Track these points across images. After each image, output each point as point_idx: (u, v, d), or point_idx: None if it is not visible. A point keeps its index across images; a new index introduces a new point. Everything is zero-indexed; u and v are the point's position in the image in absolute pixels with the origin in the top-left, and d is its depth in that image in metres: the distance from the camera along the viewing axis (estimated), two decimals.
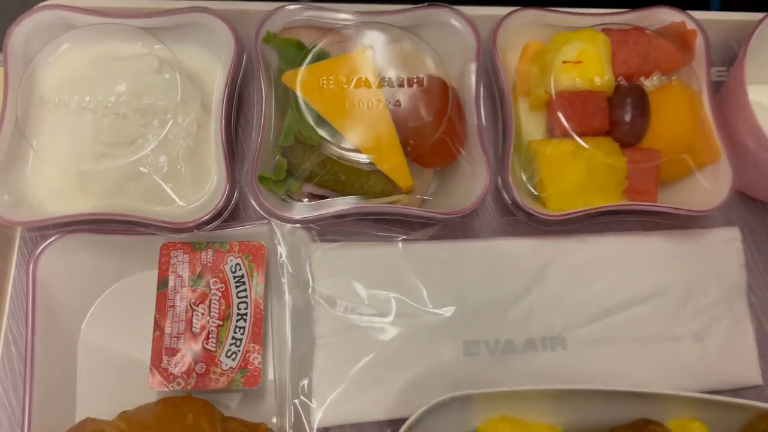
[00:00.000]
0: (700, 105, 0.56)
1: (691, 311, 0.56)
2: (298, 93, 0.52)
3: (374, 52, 0.54)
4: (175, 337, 0.51)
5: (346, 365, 0.52)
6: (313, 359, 0.51)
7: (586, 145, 0.53)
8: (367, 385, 0.51)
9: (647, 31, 0.57)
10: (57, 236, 0.52)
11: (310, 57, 0.53)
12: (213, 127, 0.54)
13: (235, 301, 0.52)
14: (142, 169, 0.51)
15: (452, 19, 0.57)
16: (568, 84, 0.54)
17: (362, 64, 0.53)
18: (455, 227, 0.58)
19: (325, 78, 0.53)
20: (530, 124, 0.57)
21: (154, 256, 0.53)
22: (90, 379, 0.53)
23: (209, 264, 0.53)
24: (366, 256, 0.54)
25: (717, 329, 0.56)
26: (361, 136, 0.52)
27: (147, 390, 0.50)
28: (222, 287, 0.53)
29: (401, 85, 0.53)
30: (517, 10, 0.57)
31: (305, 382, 0.51)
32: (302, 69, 0.53)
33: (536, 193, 0.55)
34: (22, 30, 0.53)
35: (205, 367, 0.51)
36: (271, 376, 0.53)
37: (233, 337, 0.51)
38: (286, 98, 0.54)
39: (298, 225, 0.54)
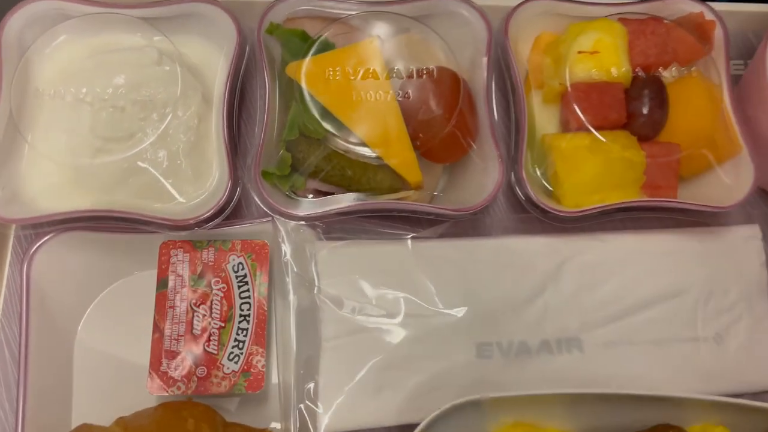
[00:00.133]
0: (720, 98, 0.55)
1: (710, 312, 0.55)
2: (303, 85, 0.51)
3: (382, 42, 0.53)
4: (175, 339, 0.50)
5: (353, 368, 0.50)
6: (318, 362, 0.51)
7: (603, 139, 0.52)
8: (376, 389, 0.50)
9: (665, 21, 0.55)
10: (52, 234, 0.51)
11: (315, 48, 0.52)
12: (214, 120, 0.53)
13: (238, 301, 0.51)
14: (140, 164, 0.51)
15: (462, 9, 0.56)
16: (584, 75, 0.53)
17: (369, 55, 0.52)
18: (465, 225, 0.56)
19: (330, 69, 0.51)
20: (543, 118, 0.56)
21: (154, 255, 0.52)
22: (86, 383, 0.52)
23: (210, 263, 0.52)
24: (373, 254, 0.53)
25: (737, 330, 0.55)
26: (369, 130, 0.51)
27: (146, 394, 0.49)
28: (224, 287, 0.52)
29: (410, 77, 0.52)
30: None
31: (311, 385, 0.50)
32: (307, 60, 0.52)
33: (550, 188, 0.54)
34: (17, 20, 0.52)
35: (206, 370, 0.50)
36: (275, 379, 0.52)
37: (236, 339, 0.50)
38: (290, 91, 0.53)
39: (303, 222, 0.53)
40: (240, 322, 0.51)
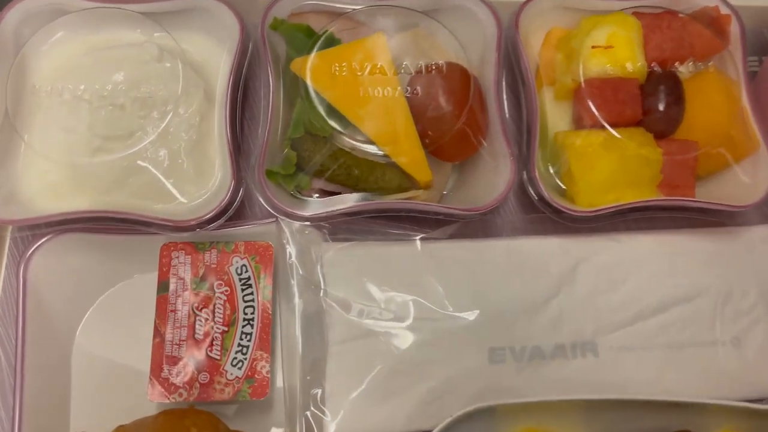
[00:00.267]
0: (738, 94, 0.54)
1: (728, 314, 0.54)
2: (308, 81, 0.50)
3: (389, 37, 0.52)
4: (176, 344, 0.50)
5: (361, 374, 0.50)
6: (325, 367, 0.50)
7: (618, 136, 0.51)
8: (385, 396, 0.50)
9: (681, 15, 0.54)
10: (50, 236, 0.51)
11: (320, 43, 0.51)
12: (217, 118, 0.52)
13: (241, 305, 0.50)
14: (140, 163, 0.50)
15: (471, 3, 0.55)
16: (598, 70, 0.52)
17: (377, 50, 0.51)
18: (475, 225, 0.55)
19: (336, 65, 0.50)
20: (555, 115, 0.55)
21: (154, 257, 0.51)
22: (85, 389, 0.52)
23: (213, 265, 0.51)
24: (381, 256, 0.52)
25: (756, 333, 0.54)
26: (376, 127, 0.50)
27: (146, 402, 0.49)
28: (227, 290, 0.51)
29: (419, 73, 0.51)
30: None
31: (317, 392, 0.50)
32: (312, 56, 0.51)
33: (564, 187, 0.53)
34: (13, 16, 0.52)
35: (208, 376, 0.49)
36: (280, 385, 0.51)
37: (239, 344, 0.50)
38: (295, 87, 0.52)
39: (308, 223, 0.52)
40: (244, 326, 0.50)
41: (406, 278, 0.52)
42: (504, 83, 0.54)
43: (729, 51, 0.55)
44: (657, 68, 0.53)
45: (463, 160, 0.55)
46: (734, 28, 0.55)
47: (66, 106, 0.50)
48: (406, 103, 0.50)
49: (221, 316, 0.50)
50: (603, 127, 0.51)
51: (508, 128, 0.53)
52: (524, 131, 0.55)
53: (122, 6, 0.52)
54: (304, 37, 0.52)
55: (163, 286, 0.51)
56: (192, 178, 0.51)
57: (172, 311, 0.50)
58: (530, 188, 0.53)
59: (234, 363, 0.49)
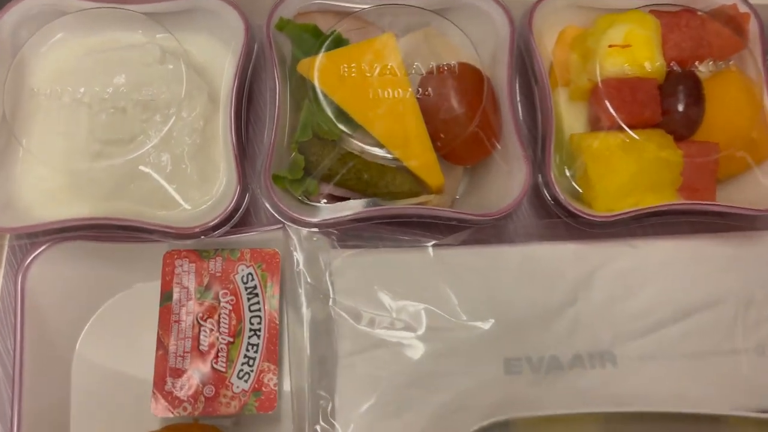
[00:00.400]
0: (759, 94, 0.53)
1: (750, 321, 0.53)
2: (316, 83, 0.49)
3: (399, 37, 0.51)
4: (180, 356, 0.49)
5: (372, 386, 0.49)
6: (335, 380, 0.49)
7: (637, 137, 0.50)
8: (397, 409, 0.48)
9: (699, 13, 0.53)
10: (48, 244, 0.50)
11: (327, 44, 0.51)
12: (221, 122, 0.52)
13: (247, 315, 0.50)
14: (142, 168, 0.49)
15: (482, 2, 0.54)
16: (616, 70, 0.51)
17: (386, 51, 0.50)
18: (487, 231, 0.54)
19: (345, 66, 0.50)
20: (570, 116, 0.54)
21: (157, 266, 0.51)
22: (85, 403, 0.51)
23: (218, 274, 0.51)
24: (392, 263, 0.51)
25: None
26: (386, 130, 0.49)
27: (149, 416, 0.48)
28: (232, 300, 0.50)
29: (430, 73, 0.50)
30: None
31: (327, 405, 0.48)
32: (319, 56, 0.50)
33: (580, 191, 0.52)
34: (11, 17, 0.51)
35: (214, 389, 0.48)
36: (288, 399, 0.50)
37: (245, 356, 0.49)
38: (301, 89, 0.51)
39: (316, 229, 0.51)
40: (250, 337, 0.49)
41: (417, 286, 0.51)
42: (517, 84, 0.53)
43: (749, 50, 0.54)
44: (676, 68, 0.51)
45: (475, 164, 0.54)
46: (753, 27, 0.55)
47: (65, 110, 0.49)
48: (417, 104, 0.49)
49: (227, 326, 0.49)
50: (621, 128, 0.50)
51: (522, 130, 0.52)
52: (538, 134, 0.54)
53: (123, 6, 0.52)
54: (311, 38, 0.52)
55: (166, 296, 0.50)
56: (196, 183, 0.50)
57: (175, 322, 0.49)
58: (545, 192, 0.52)
59: (240, 375, 0.48)
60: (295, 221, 0.50)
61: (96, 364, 0.51)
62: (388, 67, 0.49)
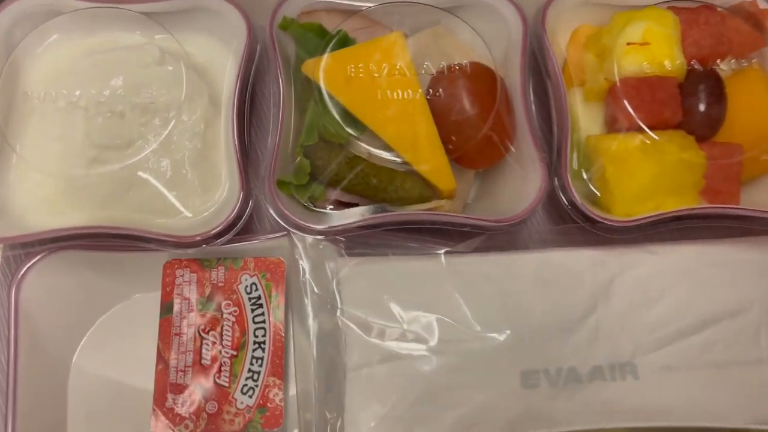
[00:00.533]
0: None
1: None
2: (322, 84, 0.49)
3: (408, 36, 0.51)
4: (181, 370, 0.48)
5: (383, 401, 0.47)
6: (344, 394, 0.48)
7: (657, 138, 0.48)
8: (409, 425, 0.47)
9: (719, 9, 0.51)
10: (43, 254, 0.50)
11: (333, 43, 0.50)
12: (223, 125, 0.51)
13: (252, 327, 0.49)
14: (141, 174, 0.49)
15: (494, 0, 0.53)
16: (634, 69, 0.49)
17: (395, 50, 0.49)
18: (500, 238, 0.53)
19: (352, 66, 0.49)
20: (585, 117, 0.53)
21: (157, 276, 0.50)
22: (82, 419, 0.50)
23: (220, 284, 0.50)
24: (403, 271, 0.50)
25: None
26: (396, 132, 0.48)
27: None
28: (235, 311, 0.49)
29: (441, 74, 0.49)
30: None
31: (335, 421, 0.47)
32: (325, 57, 0.49)
33: (598, 194, 0.51)
34: (4, 17, 0.52)
35: (217, 406, 0.47)
36: (294, 415, 0.49)
37: (250, 370, 0.48)
38: (307, 91, 0.50)
39: (323, 237, 0.50)
40: (254, 350, 0.48)
41: (429, 296, 0.49)
42: (530, 84, 0.52)
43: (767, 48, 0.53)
44: (697, 66, 0.50)
45: (487, 167, 0.53)
46: None
47: (60, 114, 0.49)
48: (427, 106, 0.49)
49: (230, 339, 0.48)
50: (640, 129, 0.49)
51: (536, 132, 0.50)
52: (554, 135, 0.52)
53: (121, 6, 0.52)
54: (315, 37, 0.51)
55: (166, 308, 0.49)
56: (197, 190, 0.50)
57: (176, 335, 0.49)
58: (562, 196, 0.51)
59: (244, 390, 0.47)
60: (300, 228, 0.49)
61: (93, 380, 0.51)
62: (397, 66, 0.48)
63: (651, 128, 0.48)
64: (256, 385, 0.47)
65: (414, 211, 0.49)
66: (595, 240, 0.52)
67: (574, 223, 0.51)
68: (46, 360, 0.50)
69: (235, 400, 0.47)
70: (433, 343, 0.48)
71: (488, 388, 0.48)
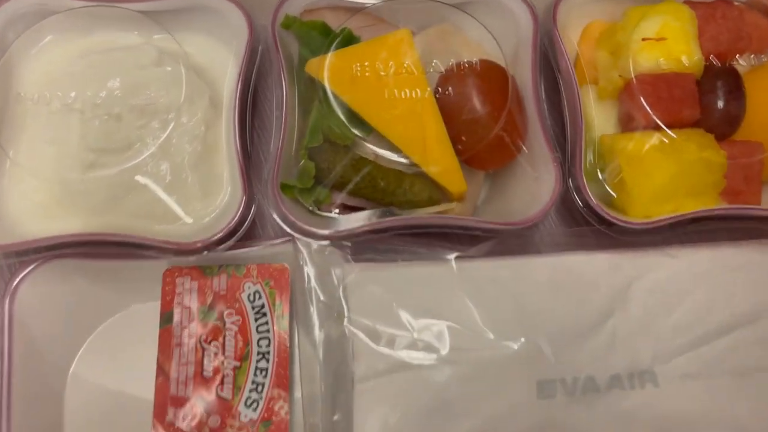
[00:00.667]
0: None
1: None
2: (326, 84, 0.48)
3: (414, 34, 0.49)
4: (182, 383, 0.47)
5: (393, 413, 0.46)
6: (352, 406, 0.46)
7: (675, 137, 0.47)
8: None
9: (736, 3, 0.51)
10: (38, 263, 0.49)
11: (337, 42, 0.49)
12: (224, 128, 0.50)
13: (255, 336, 0.48)
14: (139, 179, 0.48)
15: None
16: (650, 65, 0.49)
17: (402, 48, 0.48)
18: (512, 241, 0.51)
19: (357, 65, 0.48)
20: (599, 116, 0.52)
21: (156, 285, 0.49)
22: None
23: (222, 292, 0.49)
24: (412, 277, 0.49)
25: None
26: (403, 133, 0.47)
27: None
28: (238, 320, 0.48)
29: (450, 71, 0.48)
30: None
31: None
32: (329, 56, 0.49)
33: (614, 195, 0.49)
34: None
35: (219, 419, 0.46)
36: (300, 428, 0.48)
37: (253, 382, 0.47)
38: (310, 91, 0.49)
39: (329, 242, 0.49)
40: (258, 360, 0.47)
41: (440, 302, 0.48)
42: (542, 82, 0.51)
43: None
44: (715, 62, 0.49)
45: (498, 168, 0.52)
46: None
47: (55, 117, 0.48)
48: (436, 105, 0.48)
49: (232, 349, 0.47)
50: (657, 128, 0.48)
51: (549, 132, 0.49)
52: (567, 135, 0.51)
53: (117, 5, 0.51)
54: (319, 36, 0.51)
55: (166, 317, 0.48)
56: (197, 194, 0.49)
57: (177, 345, 0.47)
58: (576, 198, 0.50)
59: (248, 403, 0.46)
60: (305, 233, 0.48)
61: (91, 392, 0.50)
62: (404, 65, 0.48)
63: (668, 126, 0.47)
64: (261, 398, 0.46)
65: (423, 215, 0.48)
66: (610, 243, 0.50)
67: (588, 225, 0.50)
68: (41, 372, 0.48)
69: (239, 413, 0.46)
70: (444, 351, 0.47)
71: (502, 399, 0.46)
